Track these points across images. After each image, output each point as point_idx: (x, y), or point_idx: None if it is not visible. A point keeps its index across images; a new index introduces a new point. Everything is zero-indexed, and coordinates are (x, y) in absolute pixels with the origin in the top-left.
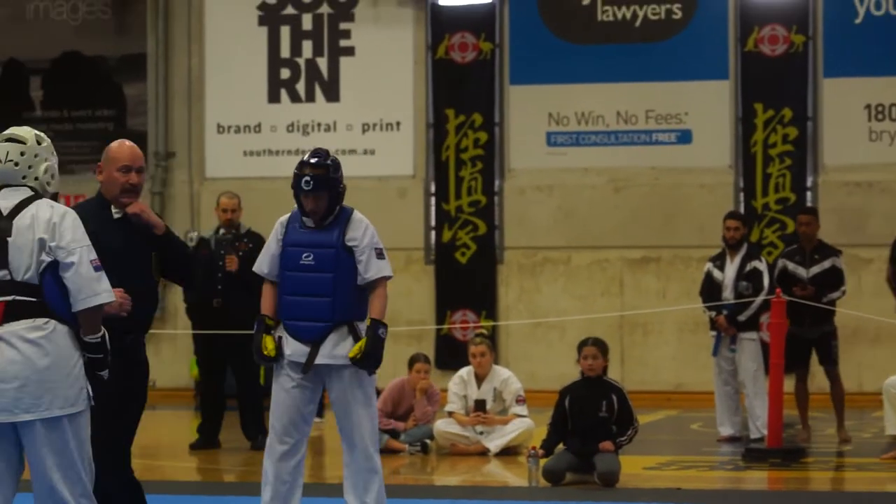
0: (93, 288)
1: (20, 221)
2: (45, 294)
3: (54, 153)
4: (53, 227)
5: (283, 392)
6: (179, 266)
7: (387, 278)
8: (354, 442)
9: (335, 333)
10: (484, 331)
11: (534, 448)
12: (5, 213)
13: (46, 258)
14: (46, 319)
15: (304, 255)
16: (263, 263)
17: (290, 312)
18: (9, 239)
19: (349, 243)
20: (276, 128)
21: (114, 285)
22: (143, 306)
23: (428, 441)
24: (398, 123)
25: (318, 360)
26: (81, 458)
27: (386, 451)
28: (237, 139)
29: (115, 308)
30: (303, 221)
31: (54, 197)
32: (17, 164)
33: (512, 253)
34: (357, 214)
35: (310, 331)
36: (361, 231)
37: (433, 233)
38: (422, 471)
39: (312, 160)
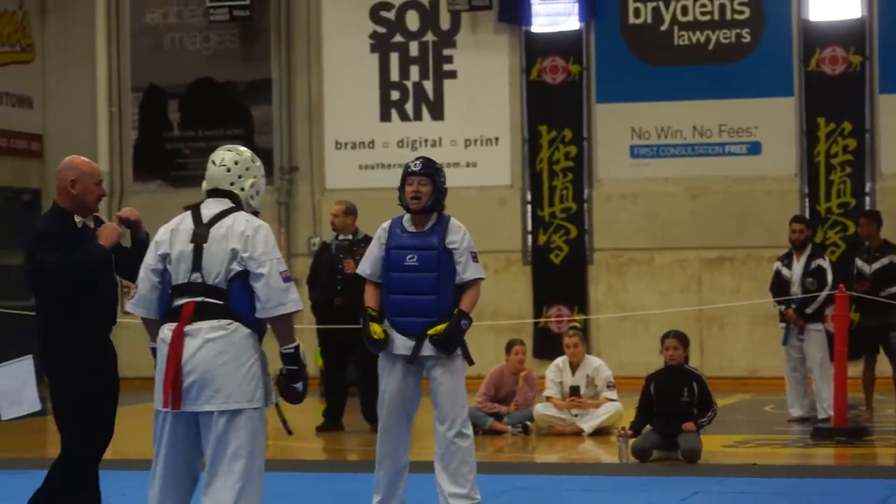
0: (280, 298)
1: (217, 230)
2: (231, 298)
3: (264, 176)
4: (246, 240)
5: (391, 382)
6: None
7: (480, 279)
8: (447, 421)
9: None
10: (577, 324)
11: (623, 429)
12: (205, 221)
13: (237, 267)
14: (230, 321)
15: (409, 256)
16: (366, 265)
17: (396, 309)
18: (204, 245)
19: (449, 246)
20: (388, 144)
21: (86, 288)
22: (112, 305)
23: (528, 423)
24: (497, 139)
25: (423, 353)
26: (251, 455)
27: (491, 433)
28: (353, 154)
29: (114, 238)
30: (403, 227)
31: (255, 213)
32: (228, 170)
33: (600, 254)
34: (455, 221)
35: (415, 325)
36: (460, 236)
37: (529, 237)
38: (523, 449)
39: (424, 157)
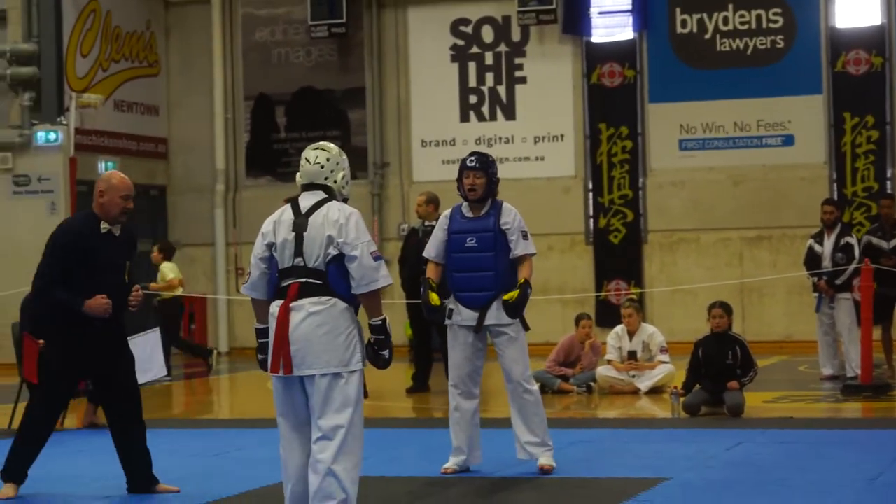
0: (372, 275)
1: (314, 219)
2: (329, 278)
3: (348, 166)
4: (340, 227)
5: (458, 351)
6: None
7: (531, 255)
8: (514, 379)
9: (497, 300)
10: (633, 296)
11: (675, 388)
12: (303, 211)
13: (333, 251)
14: (329, 297)
15: (468, 239)
16: (431, 248)
17: (460, 285)
18: (304, 233)
19: (503, 227)
20: (467, 141)
21: (102, 286)
22: (122, 302)
23: (592, 384)
24: (562, 135)
25: (486, 322)
26: (351, 412)
27: (559, 392)
28: (437, 151)
29: (100, 311)
30: (462, 213)
31: (345, 199)
32: (322, 167)
33: (654, 235)
34: (507, 204)
35: (477, 299)
36: (511, 217)
37: (591, 220)
38: (587, 407)
39: (477, 151)
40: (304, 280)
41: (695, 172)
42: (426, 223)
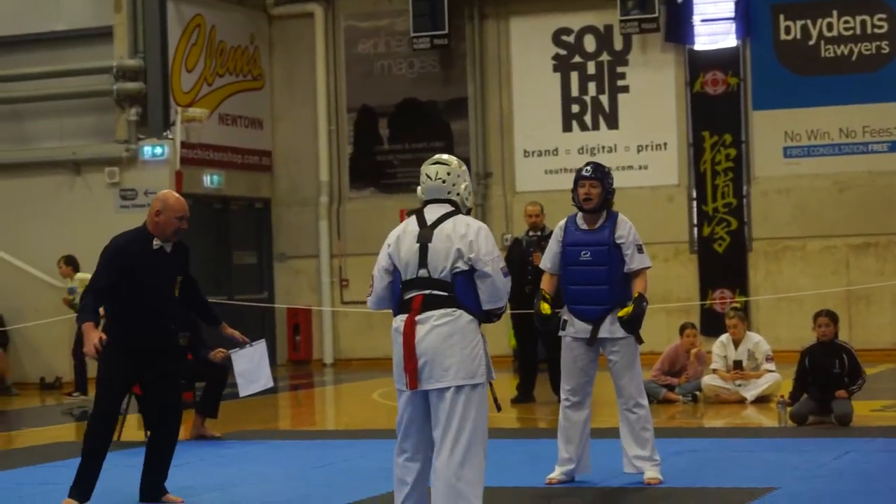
0: (501, 294)
1: (440, 231)
2: (456, 290)
3: (469, 176)
4: (471, 243)
5: (571, 362)
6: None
7: (646, 268)
8: (626, 394)
9: (611, 314)
10: (738, 305)
11: (782, 397)
12: (429, 223)
13: (462, 266)
14: (454, 309)
15: (583, 252)
16: (547, 260)
17: (574, 298)
18: (429, 245)
19: (618, 241)
20: (570, 151)
21: (152, 302)
22: (171, 318)
23: (697, 393)
24: (665, 144)
25: (600, 335)
26: (475, 426)
27: (664, 402)
28: (539, 161)
29: (87, 345)
30: (577, 224)
31: (469, 211)
32: (444, 182)
33: (758, 243)
34: (622, 216)
35: (591, 312)
36: (626, 230)
37: (695, 229)
38: (693, 416)
39: (592, 163)
40: (428, 292)
41: (800, 179)
42: (530, 233)
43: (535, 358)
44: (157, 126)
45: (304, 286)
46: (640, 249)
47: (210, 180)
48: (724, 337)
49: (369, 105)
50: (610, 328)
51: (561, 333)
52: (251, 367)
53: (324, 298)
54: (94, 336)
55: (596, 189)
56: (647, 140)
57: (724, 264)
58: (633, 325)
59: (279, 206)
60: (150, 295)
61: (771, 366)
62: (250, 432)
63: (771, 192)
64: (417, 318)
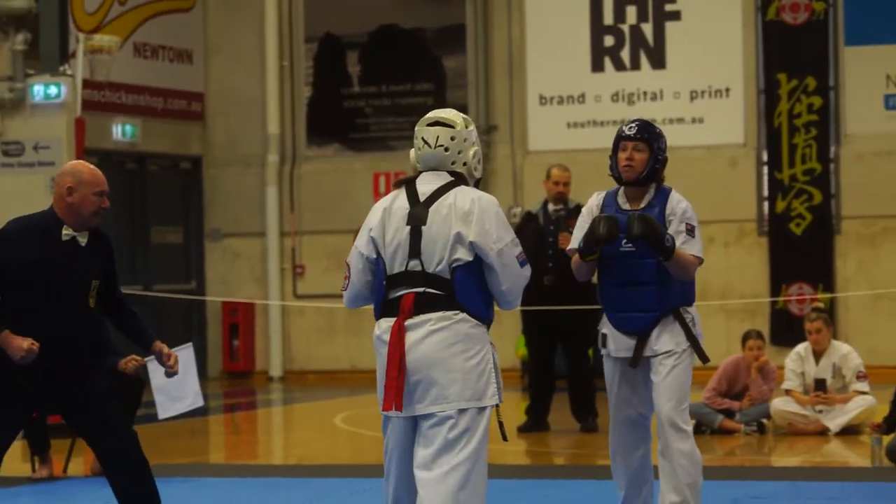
0: (517, 292)
1: (437, 209)
2: (457, 288)
3: (477, 137)
4: (474, 222)
5: (616, 388)
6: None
7: (697, 259)
8: (662, 414)
9: (662, 323)
10: (821, 304)
11: (877, 426)
12: (422, 199)
13: (464, 255)
14: (455, 311)
15: (623, 241)
16: (577, 240)
17: (613, 304)
18: (423, 228)
19: (668, 219)
20: (601, 97)
21: (56, 311)
22: (85, 333)
23: (764, 420)
24: (727, 90)
25: (647, 353)
26: (476, 460)
27: (720, 432)
28: (560, 110)
29: (16, 357)
30: (618, 203)
31: (477, 184)
32: (447, 150)
33: (850, 223)
34: (677, 194)
35: (635, 322)
36: (677, 205)
37: (766, 203)
38: (758, 451)
39: (639, 120)
40: (421, 290)
41: None
42: (550, 206)
43: (551, 373)
44: (52, 59)
45: (245, 274)
46: (691, 231)
47: (121, 131)
48: (802, 347)
49: (334, 34)
50: (657, 343)
51: (602, 351)
52: (174, 380)
53: (271, 291)
54: (23, 340)
55: (642, 154)
56: (704, 84)
57: (803, 251)
58: (649, 235)
59: (213, 167)
60: (53, 304)
61: (863, 386)
62: (172, 467)
63: (868, 154)
64: (407, 322)
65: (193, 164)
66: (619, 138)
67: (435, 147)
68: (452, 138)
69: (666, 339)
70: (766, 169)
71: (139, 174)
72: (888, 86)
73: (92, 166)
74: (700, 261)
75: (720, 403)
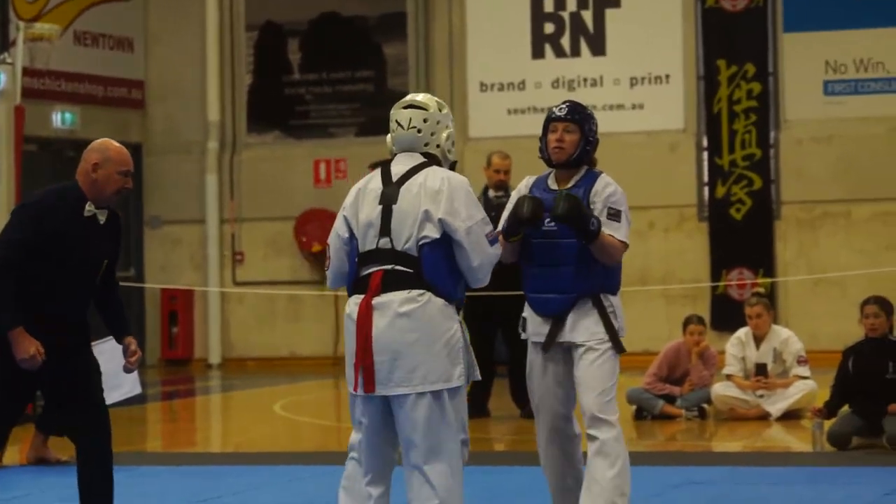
0: (487, 269)
1: (408, 188)
2: (424, 265)
3: (452, 120)
4: (443, 202)
5: (534, 376)
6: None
7: (620, 242)
8: (585, 410)
9: (579, 309)
10: (761, 289)
11: (818, 411)
12: (395, 179)
13: (432, 232)
14: (422, 291)
15: (548, 220)
16: (504, 221)
17: (533, 284)
18: (394, 206)
19: (592, 201)
20: (541, 84)
21: (71, 287)
22: (88, 310)
23: (705, 406)
24: (667, 76)
25: (560, 339)
26: (451, 438)
27: (661, 417)
28: (501, 97)
29: (20, 356)
30: (547, 185)
31: (453, 166)
32: (419, 132)
33: (789, 208)
34: (606, 176)
35: (550, 304)
36: (604, 188)
37: (706, 189)
38: (699, 437)
39: (569, 101)
40: (389, 267)
41: (845, 124)
42: (491, 192)
43: (492, 358)
44: None
45: (184, 261)
46: (616, 215)
47: (61, 119)
48: (743, 332)
49: (275, 21)
50: (574, 328)
51: (522, 335)
52: (111, 367)
53: (210, 278)
54: (31, 345)
55: (572, 136)
56: (644, 71)
57: (743, 236)
58: (574, 214)
59: (153, 155)
60: (70, 279)
61: (804, 370)
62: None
63: (807, 140)
64: (374, 301)
65: (133, 151)
66: (549, 119)
67: (408, 129)
68: (425, 120)
69: (583, 329)
70: (706, 154)
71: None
72: (827, 72)
73: (119, 145)
74: (625, 245)
75: (661, 389)
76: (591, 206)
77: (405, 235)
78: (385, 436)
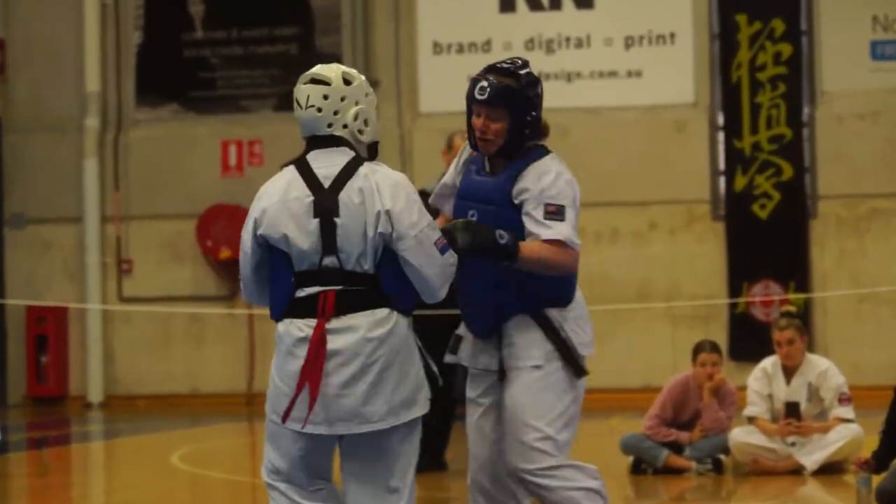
0: (442, 280)
1: (347, 196)
2: (384, 281)
3: (369, 93)
4: (379, 213)
5: (472, 412)
6: None
7: (560, 242)
8: (511, 454)
9: (515, 326)
10: (792, 308)
11: (864, 462)
12: (326, 184)
13: (384, 244)
14: (386, 310)
15: (470, 212)
16: (438, 196)
17: (462, 298)
18: (337, 220)
19: (517, 197)
20: (511, 45)
21: None
22: None
23: (722, 456)
24: (672, 35)
25: (482, 365)
26: (411, 483)
27: (666, 471)
28: (459, 61)
29: None
30: (483, 166)
31: (373, 148)
32: (319, 110)
33: (828, 203)
34: (547, 161)
35: (476, 319)
36: (538, 178)
37: (722, 179)
38: (714, 496)
39: (500, 65)
40: (341, 288)
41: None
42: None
43: (450, 395)
44: None
45: (56, 271)
46: (555, 213)
47: None
48: (769, 363)
49: None
50: (512, 346)
51: (448, 358)
52: None
53: (90, 292)
54: None
55: (498, 123)
56: (643, 28)
57: (770, 239)
58: (476, 249)
59: (14, 133)
60: None
61: (847, 411)
62: None
63: (849, 117)
64: (329, 326)
65: None
66: (471, 99)
67: (306, 108)
68: (325, 97)
69: (519, 350)
70: (721, 135)
71: None
72: (875, 30)
73: None
74: (569, 246)
75: (665, 435)
76: (523, 199)
77: (356, 252)
78: (320, 473)
